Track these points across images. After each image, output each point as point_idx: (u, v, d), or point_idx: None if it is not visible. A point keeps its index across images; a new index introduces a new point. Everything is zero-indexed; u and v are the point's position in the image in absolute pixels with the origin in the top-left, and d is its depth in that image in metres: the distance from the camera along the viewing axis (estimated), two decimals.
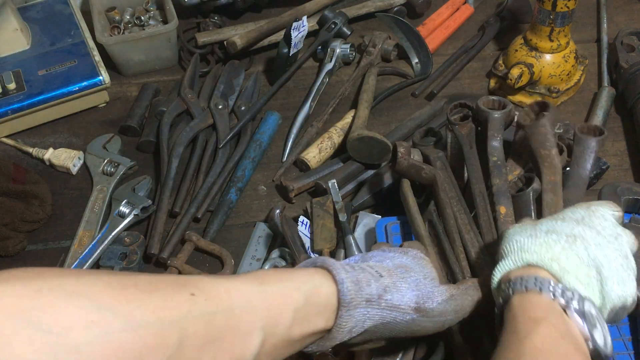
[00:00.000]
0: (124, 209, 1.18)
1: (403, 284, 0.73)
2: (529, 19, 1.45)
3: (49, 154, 1.31)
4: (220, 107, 1.36)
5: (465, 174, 1.04)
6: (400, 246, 0.84)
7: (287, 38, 1.38)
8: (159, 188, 1.24)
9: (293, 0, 1.58)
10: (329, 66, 1.45)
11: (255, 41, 1.49)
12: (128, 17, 1.52)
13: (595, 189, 1.15)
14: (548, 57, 1.34)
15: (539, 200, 0.93)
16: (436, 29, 1.56)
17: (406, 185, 1.01)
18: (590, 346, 0.67)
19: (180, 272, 1.12)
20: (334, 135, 1.30)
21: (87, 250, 1.13)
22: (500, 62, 1.42)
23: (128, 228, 1.18)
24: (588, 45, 1.52)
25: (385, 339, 0.76)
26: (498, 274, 0.74)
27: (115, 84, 1.47)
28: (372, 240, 1.09)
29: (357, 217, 1.14)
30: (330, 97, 1.41)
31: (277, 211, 1.14)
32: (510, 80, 1.31)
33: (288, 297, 0.67)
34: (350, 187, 1.22)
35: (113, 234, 1.15)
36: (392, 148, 1.06)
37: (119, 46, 1.44)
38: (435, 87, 1.43)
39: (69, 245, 1.18)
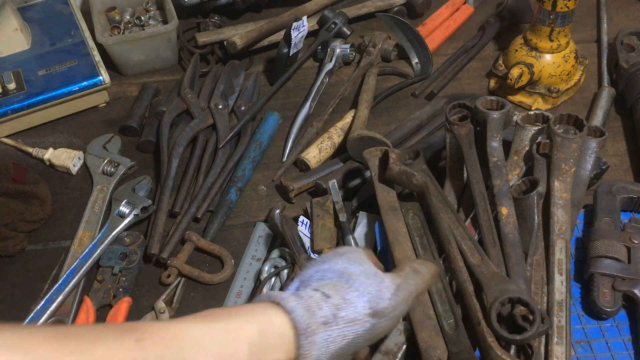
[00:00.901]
0: (124, 209, 1.18)
1: (352, 294, 0.72)
2: (529, 19, 1.45)
3: (49, 154, 1.31)
4: (220, 107, 1.36)
5: (465, 175, 1.04)
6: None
7: (287, 38, 1.38)
8: (159, 188, 1.24)
9: (293, 0, 1.58)
10: (329, 66, 1.45)
11: (255, 41, 1.49)
12: (128, 17, 1.53)
13: (595, 189, 1.14)
14: (548, 57, 1.34)
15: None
16: (436, 29, 1.56)
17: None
18: None
19: (180, 272, 1.12)
20: (334, 135, 1.30)
21: (87, 250, 1.13)
22: (500, 62, 1.42)
23: (128, 228, 1.18)
24: (588, 45, 1.52)
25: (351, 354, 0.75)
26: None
27: (115, 84, 1.47)
28: (372, 240, 1.09)
29: (357, 217, 1.14)
30: (330, 97, 1.41)
31: (277, 211, 1.14)
32: (510, 80, 1.31)
33: (240, 332, 0.66)
34: (350, 187, 1.22)
35: (113, 234, 1.15)
36: (382, 154, 1.06)
37: (119, 46, 1.44)
38: (435, 87, 1.43)
39: (69, 245, 1.18)
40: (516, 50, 1.37)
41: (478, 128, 1.06)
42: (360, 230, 1.11)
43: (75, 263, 1.11)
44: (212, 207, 1.22)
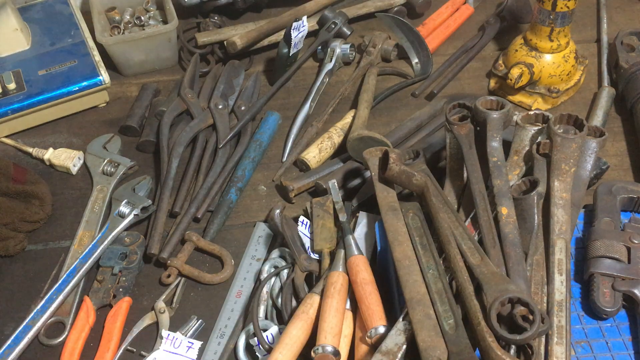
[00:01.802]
0: (124, 209, 1.18)
1: None
2: (529, 19, 1.45)
3: (49, 154, 1.31)
4: (220, 107, 1.36)
5: (465, 175, 1.04)
6: None
7: (287, 38, 1.38)
8: (159, 188, 1.24)
9: (293, 0, 1.58)
10: (329, 66, 1.45)
11: (255, 41, 1.49)
12: (128, 17, 1.53)
13: (595, 189, 1.14)
14: (548, 57, 1.34)
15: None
16: (436, 29, 1.56)
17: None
18: None
19: (180, 272, 1.12)
20: (334, 135, 1.30)
21: (87, 250, 1.13)
22: (500, 62, 1.42)
23: (128, 228, 1.18)
24: (588, 45, 1.52)
25: None
26: None
27: (115, 84, 1.47)
28: (372, 240, 1.09)
29: (357, 217, 1.14)
30: (330, 97, 1.41)
31: (277, 211, 1.14)
32: (510, 80, 1.32)
33: None
34: (350, 187, 1.22)
35: (113, 234, 1.15)
36: (382, 154, 1.07)
37: (119, 46, 1.44)
38: (435, 87, 1.43)
39: (69, 245, 1.18)
40: (516, 50, 1.37)
41: (478, 128, 1.06)
42: (360, 230, 1.11)
43: (75, 263, 1.11)
44: (212, 207, 1.22)
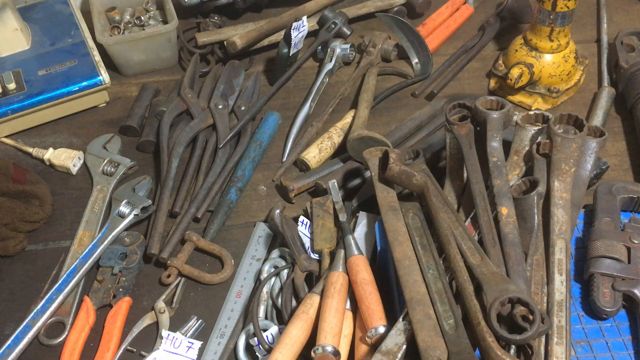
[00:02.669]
0: (124, 209, 1.18)
1: None
2: (529, 19, 1.45)
3: (49, 154, 1.31)
4: (220, 107, 1.36)
5: (465, 175, 1.04)
6: None
7: (287, 38, 1.38)
8: (159, 188, 1.24)
9: (293, 0, 1.58)
10: (329, 66, 1.45)
11: (255, 41, 1.49)
12: (128, 17, 1.53)
13: (595, 189, 1.14)
14: (548, 57, 1.34)
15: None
16: (436, 29, 1.56)
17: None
18: None
19: (180, 272, 1.12)
20: (334, 135, 1.30)
21: (87, 250, 1.13)
22: (500, 62, 1.42)
23: (128, 228, 1.18)
24: (588, 45, 1.52)
25: None
26: None
27: (115, 84, 1.47)
28: (372, 240, 1.09)
29: (357, 217, 1.14)
30: (330, 97, 1.41)
31: (277, 211, 1.14)
32: (510, 80, 1.32)
33: None
34: (350, 187, 1.22)
35: (113, 234, 1.15)
36: (382, 154, 1.07)
37: (119, 46, 1.44)
38: (435, 87, 1.43)
39: (69, 245, 1.18)
40: (516, 50, 1.37)
41: (478, 128, 1.06)
42: (360, 230, 1.11)
43: (75, 263, 1.11)
44: (212, 207, 1.22)
